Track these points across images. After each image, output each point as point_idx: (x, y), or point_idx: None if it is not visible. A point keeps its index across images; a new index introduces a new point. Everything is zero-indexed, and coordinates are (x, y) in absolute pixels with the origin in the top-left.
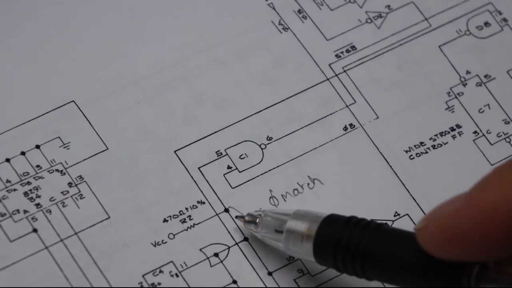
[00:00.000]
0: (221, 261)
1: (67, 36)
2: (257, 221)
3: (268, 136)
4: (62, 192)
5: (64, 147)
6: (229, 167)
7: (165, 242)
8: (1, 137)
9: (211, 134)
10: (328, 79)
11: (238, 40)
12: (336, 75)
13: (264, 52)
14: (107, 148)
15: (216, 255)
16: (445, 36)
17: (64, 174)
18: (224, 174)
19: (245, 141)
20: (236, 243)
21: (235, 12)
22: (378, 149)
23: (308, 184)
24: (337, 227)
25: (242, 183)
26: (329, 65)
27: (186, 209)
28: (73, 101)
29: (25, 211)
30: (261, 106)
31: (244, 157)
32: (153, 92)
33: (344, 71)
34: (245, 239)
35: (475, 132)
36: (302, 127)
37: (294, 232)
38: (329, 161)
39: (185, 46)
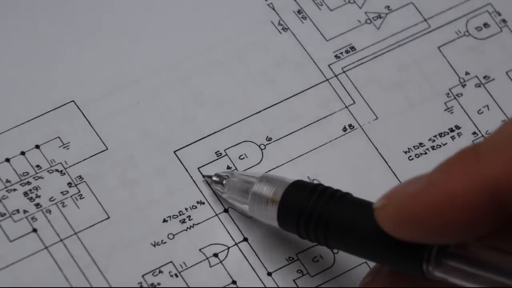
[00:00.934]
0: (221, 262)
1: (67, 36)
2: (224, 182)
3: (267, 137)
4: (61, 192)
5: (64, 147)
6: (228, 168)
7: (165, 242)
8: (1, 137)
9: (210, 135)
10: (327, 79)
11: (238, 40)
12: (336, 75)
13: (263, 53)
14: (107, 148)
15: (215, 255)
16: (444, 37)
17: (64, 174)
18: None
19: (244, 141)
20: (236, 244)
21: (235, 12)
22: (377, 150)
23: None
24: (302, 194)
25: None
26: (329, 65)
27: (186, 209)
28: (73, 101)
29: (24, 211)
30: (260, 107)
31: (244, 158)
32: (152, 92)
33: (344, 72)
34: (245, 239)
35: (474, 133)
36: (302, 128)
37: (259, 196)
38: (328, 162)
39: (185, 46)
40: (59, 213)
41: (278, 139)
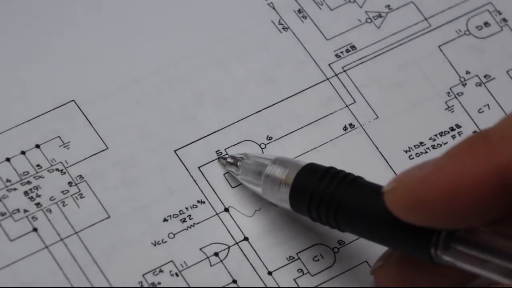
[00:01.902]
0: (221, 261)
1: (67, 36)
2: (239, 164)
3: (268, 136)
4: (62, 192)
5: (64, 147)
6: None
7: (165, 242)
8: (1, 136)
9: (211, 134)
10: (328, 79)
11: (238, 40)
12: (336, 75)
13: (264, 52)
14: (107, 148)
15: (216, 254)
16: (445, 36)
17: (64, 173)
18: (224, 174)
19: (245, 140)
20: (236, 243)
21: (235, 12)
22: (377, 149)
23: None
24: (314, 176)
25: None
26: (329, 65)
27: (186, 208)
28: (73, 100)
29: (25, 211)
30: (261, 106)
31: None
32: (153, 92)
33: (344, 71)
34: (245, 238)
35: (474, 132)
36: (302, 127)
37: (272, 178)
38: (329, 161)
39: (185, 46)
40: (59, 212)
41: (279, 138)
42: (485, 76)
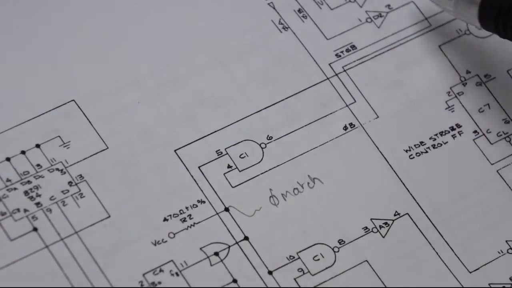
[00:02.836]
0: (221, 260)
1: (67, 36)
2: None
3: (268, 136)
4: (62, 191)
5: (64, 146)
6: (229, 166)
7: (165, 241)
8: (1, 136)
9: (211, 133)
10: (328, 78)
11: (238, 39)
12: (336, 74)
13: (264, 52)
14: (107, 147)
15: (216, 254)
16: (445, 35)
17: (64, 173)
18: (224, 173)
19: (245, 140)
20: (236, 242)
21: (235, 12)
22: (378, 148)
23: (308, 183)
24: None
25: (242, 182)
26: (329, 64)
27: (186, 208)
28: (73, 100)
29: (25, 210)
30: (261, 106)
31: (244, 156)
32: (153, 92)
33: (344, 71)
34: (246, 238)
35: (475, 131)
36: (302, 127)
37: None
38: (329, 161)
39: (185, 46)
40: (59, 212)
41: (279, 138)
42: (485, 76)
